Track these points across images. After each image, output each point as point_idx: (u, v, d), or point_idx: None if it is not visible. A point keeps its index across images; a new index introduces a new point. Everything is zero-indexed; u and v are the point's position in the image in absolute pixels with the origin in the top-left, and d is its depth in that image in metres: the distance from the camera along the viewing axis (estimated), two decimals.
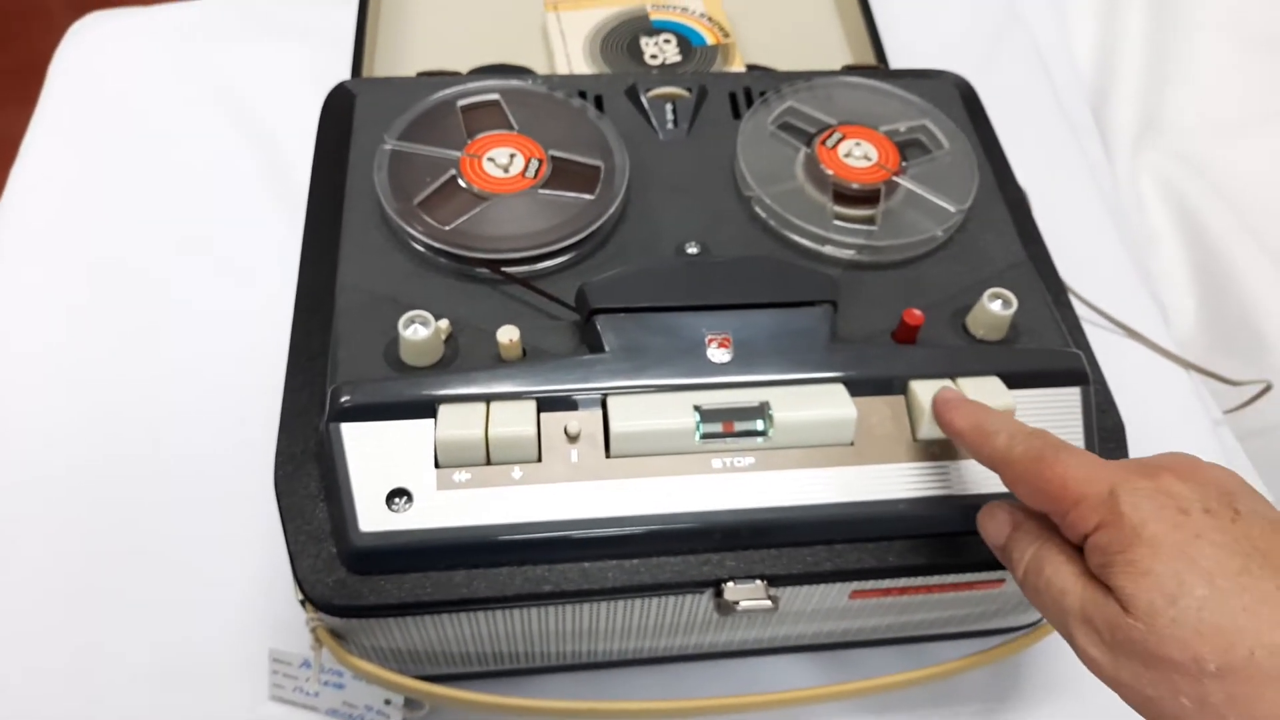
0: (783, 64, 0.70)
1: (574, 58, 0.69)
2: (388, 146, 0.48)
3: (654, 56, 0.70)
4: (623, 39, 0.71)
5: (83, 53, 0.72)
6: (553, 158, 0.48)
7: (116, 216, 0.64)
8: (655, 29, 0.71)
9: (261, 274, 0.62)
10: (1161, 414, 0.60)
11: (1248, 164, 0.82)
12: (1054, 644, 0.49)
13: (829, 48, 0.74)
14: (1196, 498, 0.30)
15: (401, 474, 0.39)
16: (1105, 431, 0.43)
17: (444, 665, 0.45)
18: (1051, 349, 0.44)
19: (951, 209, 0.48)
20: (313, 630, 0.41)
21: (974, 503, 0.40)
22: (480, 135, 0.49)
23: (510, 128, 0.50)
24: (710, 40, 0.71)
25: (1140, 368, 0.63)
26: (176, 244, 0.63)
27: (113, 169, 0.66)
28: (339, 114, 0.52)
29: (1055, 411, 0.42)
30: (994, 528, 0.36)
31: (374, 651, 0.43)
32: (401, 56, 0.71)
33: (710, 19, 0.72)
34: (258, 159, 0.68)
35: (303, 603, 0.41)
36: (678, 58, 0.70)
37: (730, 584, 0.39)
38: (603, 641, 0.44)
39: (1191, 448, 0.55)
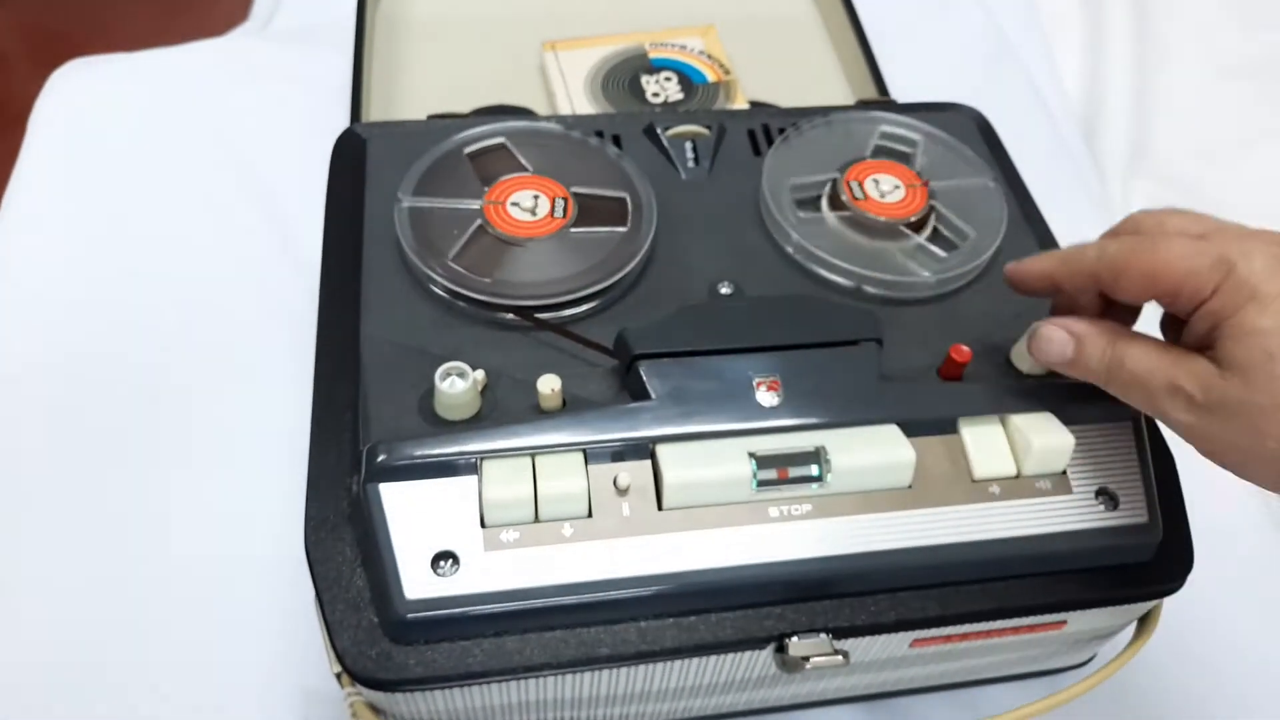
0: (784, 100, 0.70)
1: (575, 97, 0.68)
2: (407, 194, 0.46)
3: (656, 94, 0.69)
4: (623, 77, 0.70)
5: (65, 101, 0.70)
6: (576, 195, 0.47)
7: (105, 268, 0.62)
8: (655, 67, 0.71)
9: (257, 324, 0.60)
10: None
11: (1233, 187, 0.83)
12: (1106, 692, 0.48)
13: (828, 83, 0.74)
14: None
15: (446, 536, 0.37)
16: (1158, 466, 0.42)
17: None
18: None
19: (983, 241, 0.48)
20: (351, 705, 0.38)
21: (1037, 544, 0.39)
22: (501, 179, 0.47)
23: (526, 170, 0.48)
24: (711, 77, 0.70)
25: None
26: (166, 295, 0.61)
27: (100, 217, 0.64)
28: (350, 159, 0.50)
29: (1110, 448, 0.41)
30: (1055, 348, 0.38)
31: None
32: (398, 101, 0.70)
33: (710, 56, 0.72)
34: (252, 206, 0.65)
35: (339, 676, 0.38)
36: (680, 95, 0.69)
37: (795, 639, 0.37)
38: (654, 703, 0.42)
39: (1220, 482, 0.55)
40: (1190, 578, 0.41)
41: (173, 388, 0.57)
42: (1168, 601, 0.43)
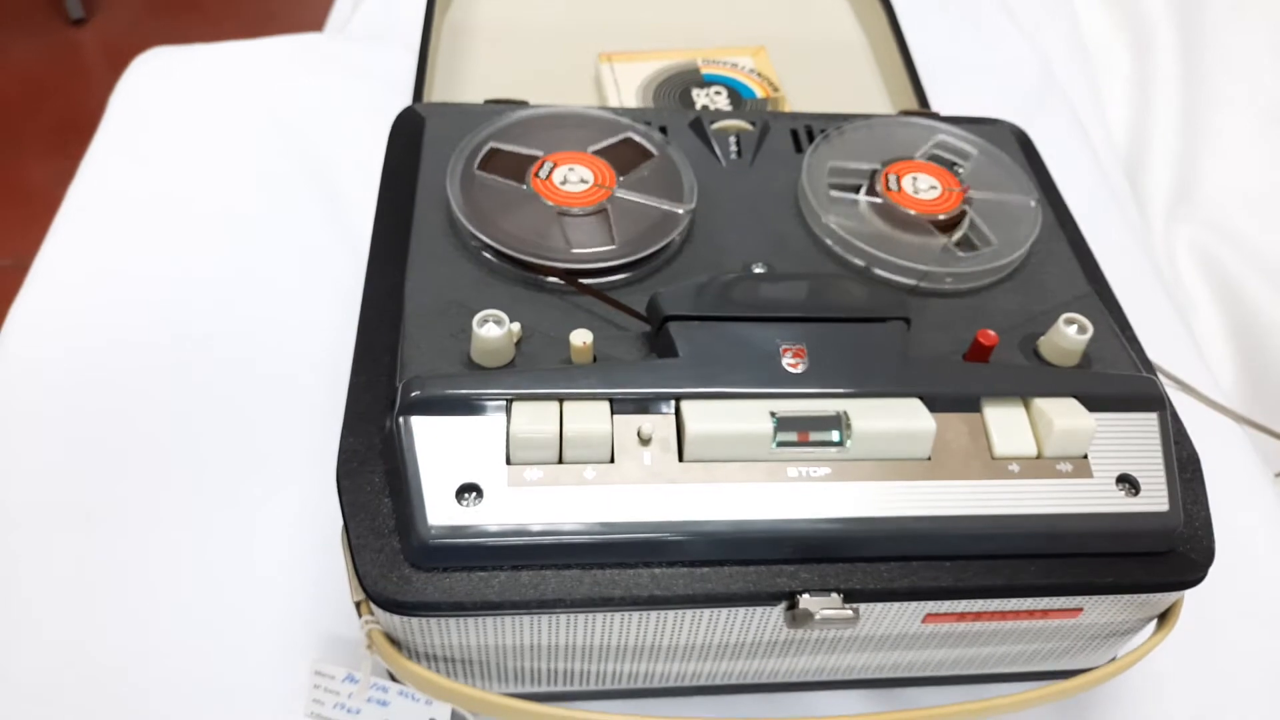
0: None
1: (628, 105, 0.71)
2: (462, 157, 0.49)
3: (705, 107, 0.71)
4: (675, 89, 0.72)
5: (142, 84, 0.74)
6: (621, 174, 0.49)
7: (170, 247, 0.64)
8: (706, 81, 0.73)
9: (318, 306, 0.62)
10: (1219, 467, 0.59)
11: (1278, 234, 0.83)
12: (1125, 686, 0.47)
13: (874, 106, 0.76)
14: None
15: (472, 469, 0.38)
16: (1181, 460, 0.42)
17: (495, 683, 0.43)
18: (1126, 374, 0.43)
19: (1016, 241, 0.49)
20: (368, 634, 0.39)
21: (1054, 523, 0.39)
22: (552, 153, 0.49)
23: (581, 148, 0.50)
24: (760, 94, 0.72)
25: (1193, 423, 0.62)
26: (231, 277, 0.63)
27: (169, 197, 0.67)
28: (408, 134, 0.52)
29: (1133, 436, 0.41)
30: None
31: (426, 661, 0.41)
32: (457, 99, 0.73)
33: (760, 74, 0.74)
34: (313, 191, 0.68)
35: (359, 604, 0.39)
36: (728, 109, 0.71)
37: (805, 595, 0.38)
38: (663, 662, 0.42)
39: (1254, 500, 0.54)
40: (1209, 579, 0.41)
41: (223, 360, 0.59)
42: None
